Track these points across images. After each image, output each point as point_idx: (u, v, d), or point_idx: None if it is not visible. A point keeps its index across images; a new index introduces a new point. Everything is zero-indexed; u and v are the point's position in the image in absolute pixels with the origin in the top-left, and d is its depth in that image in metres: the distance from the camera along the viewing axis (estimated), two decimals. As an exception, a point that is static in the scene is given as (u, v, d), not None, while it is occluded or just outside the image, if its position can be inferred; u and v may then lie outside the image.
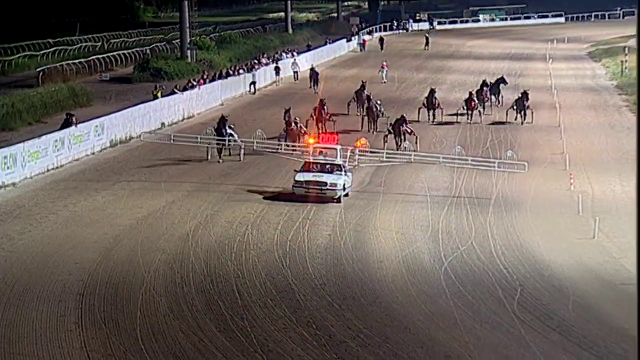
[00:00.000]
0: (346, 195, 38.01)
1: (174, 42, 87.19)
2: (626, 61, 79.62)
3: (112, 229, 33.19)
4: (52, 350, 22.73)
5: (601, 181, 42.46)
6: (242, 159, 44.50)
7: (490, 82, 62.31)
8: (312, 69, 71.88)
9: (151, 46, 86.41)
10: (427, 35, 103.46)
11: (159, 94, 57.18)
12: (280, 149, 43.40)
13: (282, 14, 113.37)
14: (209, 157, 44.32)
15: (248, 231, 33.14)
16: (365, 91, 57.30)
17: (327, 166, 38.62)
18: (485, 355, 23.46)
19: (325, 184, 37.43)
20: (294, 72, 75.05)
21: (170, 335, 23.88)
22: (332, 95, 66.28)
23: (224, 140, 44.37)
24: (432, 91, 57.06)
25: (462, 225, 34.75)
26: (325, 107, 51.22)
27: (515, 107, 56.35)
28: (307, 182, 37.65)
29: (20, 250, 30.57)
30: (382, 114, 52.83)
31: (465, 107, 56.76)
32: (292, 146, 43.43)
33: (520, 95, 57.21)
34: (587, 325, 25.81)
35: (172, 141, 44.79)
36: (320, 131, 47.33)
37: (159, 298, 26.60)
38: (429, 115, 56.29)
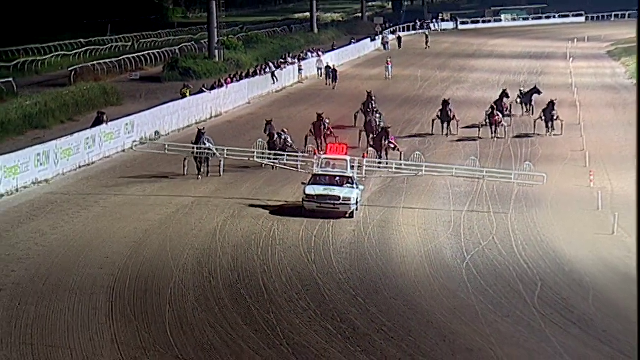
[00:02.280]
0: (356, 209, 34.70)
1: (202, 42, 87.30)
2: (645, 60, 79.47)
3: (142, 224, 33.29)
4: (83, 342, 22.80)
5: (620, 178, 42.31)
6: (221, 174, 40.34)
7: (523, 91, 58.78)
8: (327, 67, 72.41)
9: (180, 46, 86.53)
10: (427, 34, 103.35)
11: (187, 93, 57.13)
12: (278, 161, 40.08)
13: (308, 14, 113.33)
14: (185, 172, 40.22)
15: (274, 227, 33.18)
16: (373, 102, 52.59)
17: (337, 178, 35.20)
18: (507, 348, 23.42)
19: (339, 198, 33.94)
20: (318, 69, 74.90)
21: (198, 328, 23.93)
22: (356, 95, 66.27)
23: (202, 155, 39.98)
24: (446, 102, 51.68)
25: (483, 221, 34.70)
26: (324, 122, 45.96)
27: (543, 118, 52.15)
28: (318, 196, 34.02)
29: (53, 245, 30.69)
30: (381, 128, 45.68)
31: (487, 122, 50.92)
32: (277, 158, 40.15)
33: (547, 105, 52.60)
34: (607, 320, 25.75)
35: (166, 151, 41.77)
36: (319, 147, 43.45)
37: (188, 292, 26.66)
38: (443, 128, 51.19)
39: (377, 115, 48.11)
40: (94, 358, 21.99)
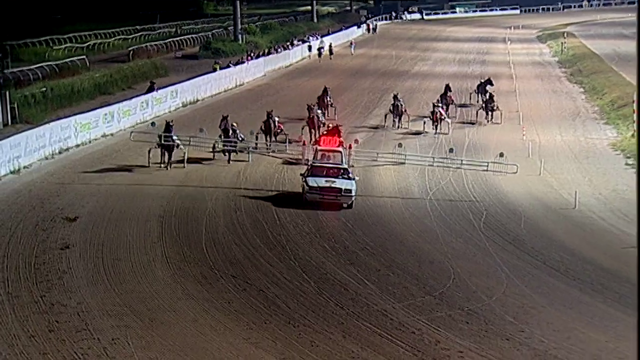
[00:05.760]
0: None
1: (229, 28, 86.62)
2: (565, 42, 78.94)
3: (185, 166, 33.19)
4: (140, 257, 22.85)
5: (545, 132, 42.31)
6: (185, 165, 32.98)
7: (481, 81, 49.59)
8: (330, 45, 72.74)
9: (212, 32, 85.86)
10: (368, 23, 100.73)
11: (217, 67, 57.01)
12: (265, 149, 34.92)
13: (309, 7, 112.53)
14: (150, 163, 32.89)
15: (284, 170, 33.12)
16: (328, 96, 43.47)
17: (334, 170, 29.29)
18: (459, 261, 23.47)
19: (341, 190, 28.21)
20: (318, 49, 74.02)
21: (227, 247, 23.97)
22: (346, 69, 66.12)
23: (170, 147, 32.98)
24: (396, 97, 42.39)
25: (442, 165, 34.56)
26: (273, 118, 36.32)
27: (484, 107, 44.19)
28: (321, 188, 28.24)
29: (117, 183, 30.67)
30: (324, 124, 37.89)
31: (431, 118, 41.00)
32: (232, 147, 33.79)
33: (488, 97, 45.34)
34: (534, 239, 25.81)
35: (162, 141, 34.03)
36: (314, 138, 36.03)
37: (219, 219, 26.68)
38: (394, 122, 41.92)
39: (319, 112, 38.78)
40: (148, 267, 22.02)
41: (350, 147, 32.16)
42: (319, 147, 30.84)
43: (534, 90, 56.12)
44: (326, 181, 28.45)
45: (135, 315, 18.82)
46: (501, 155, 32.12)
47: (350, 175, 29.13)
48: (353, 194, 28.33)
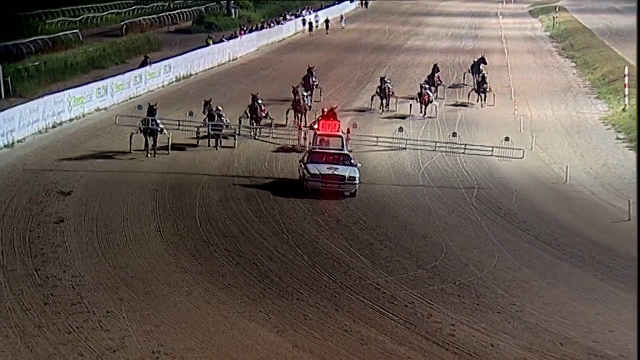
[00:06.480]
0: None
1: (222, 2, 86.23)
2: (557, 17, 78.81)
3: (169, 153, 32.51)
4: (135, 230, 22.83)
5: (537, 107, 42.35)
6: (169, 152, 30.90)
7: (474, 61, 47.13)
8: (310, 23, 72.35)
9: (205, 6, 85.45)
10: (311, 22, 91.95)
11: (210, 42, 56.75)
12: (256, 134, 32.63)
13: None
14: (131, 149, 30.83)
15: (277, 156, 32.69)
16: (313, 77, 41.01)
17: (336, 156, 27.26)
18: (452, 235, 23.51)
19: (344, 178, 26.27)
20: (310, 24, 73.43)
21: (221, 221, 23.95)
22: (339, 44, 65.93)
23: (155, 132, 30.74)
24: (383, 80, 40.09)
25: (435, 140, 34.51)
26: (259, 103, 34.20)
27: (476, 89, 42.51)
28: (324, 175, 26.19)
29: (111, 157, 30.59)
30: (310, 108, 35.99)
31: (418, 101, 39.00)
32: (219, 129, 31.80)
33: (475, 62, 46.11)
34: (526, 214, 25.87)
35: (139, 129, 31.19)
36: (300, 122, 34.74)
37: (213, 193, 26.66)
38: (382, 104, 39.59)
39: (306, 94, 36.63)
40: (142, 241, 22.02)
41: (349, 131, 29.93)
42: (318, 132, 28.60)
43: (526, 65, 56.06)
44: (328, 168, 26.43)
45: (130, 288, 18.84)
46: (507, 139, 30.11)
47: (353, 161, 27.18)
48: (357, 181, 26.44)
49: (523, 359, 16.27)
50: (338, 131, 28.58)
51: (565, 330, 17.58)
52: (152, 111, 30.87)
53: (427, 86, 39.92)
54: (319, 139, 28.34)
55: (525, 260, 21.80)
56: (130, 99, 41.45)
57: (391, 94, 40.03)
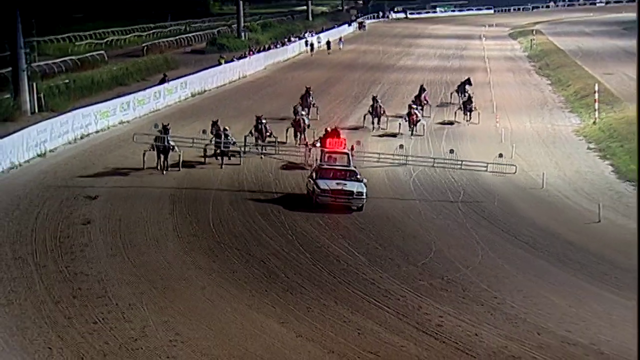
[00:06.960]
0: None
1: (232, 26, 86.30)
2: (534, 39, 78.86)
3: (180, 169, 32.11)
4: (153, 231, 22.83)
5: (517, 120, 42.30)
6: (180, 168, 29.58)
7: (461, 81, 46.23)
8: (311, 44, 72.21)
9: (217, 29, 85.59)
10: (360, 21, 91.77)
11: (222, 61, 56.82)
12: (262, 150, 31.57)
13: (305, 7, 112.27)
14: (145, 166, 29.68)
15: (283, 173, 32.22)
16: (310, 96, 39.75)
17: (343, 172, 26.26)
18: (440, 235, 23.51)
19: (352, 193, 25.21)
20: (311, 45, 73.34)
21: (231, 222, 23.95)
22: (338, 63, 65.98)
23: (167, 150, 29.56)
24: (374, 99, 38.67)
25: (424, 150, 34.62)
26: (263, 122, 32.56)
27: (462, 108, 41.20)
28: (333, 190, 25.16)
29: (133, 165, 30.55)
30: (309, 126, 34.62)
31: (407, 120, 37.31)
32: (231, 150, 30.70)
33: (461, 82, 45.61)
34: (506, 216, 25.86)
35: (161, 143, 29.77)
36: (299, 140, 33.51)
37: (224, 198, 26.65)
38: (373, 122, 37.90)
39: (304, 113, 35.73)
40: (160, 240, 22.01)
41: (352, 148, 28.55)
42: (325, 149, 27.70)
43: (506, 82, 56.04)
44: (337, 184, 25.42)
45: (150, 283, 18.83)
46: (500, 155, 29.27)
47: (359, 177, 26.17)
48: (364, 196, 25.40)
49: (504, 346, 16.26)
50: (344, 148, 27.84)
51: (541, 320, 17.57)
52: (165, 130, 29.92)
53: (415, 106, 38.44)
54: (326, 155, 27.37)
55: (506, 257, 21.79)
56: (150, 112, 41.46)
57: (382, 112, 38.43)
